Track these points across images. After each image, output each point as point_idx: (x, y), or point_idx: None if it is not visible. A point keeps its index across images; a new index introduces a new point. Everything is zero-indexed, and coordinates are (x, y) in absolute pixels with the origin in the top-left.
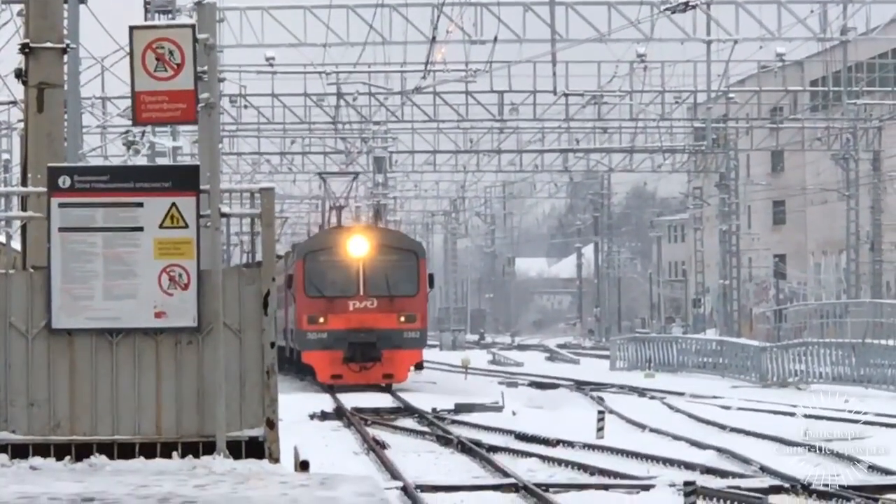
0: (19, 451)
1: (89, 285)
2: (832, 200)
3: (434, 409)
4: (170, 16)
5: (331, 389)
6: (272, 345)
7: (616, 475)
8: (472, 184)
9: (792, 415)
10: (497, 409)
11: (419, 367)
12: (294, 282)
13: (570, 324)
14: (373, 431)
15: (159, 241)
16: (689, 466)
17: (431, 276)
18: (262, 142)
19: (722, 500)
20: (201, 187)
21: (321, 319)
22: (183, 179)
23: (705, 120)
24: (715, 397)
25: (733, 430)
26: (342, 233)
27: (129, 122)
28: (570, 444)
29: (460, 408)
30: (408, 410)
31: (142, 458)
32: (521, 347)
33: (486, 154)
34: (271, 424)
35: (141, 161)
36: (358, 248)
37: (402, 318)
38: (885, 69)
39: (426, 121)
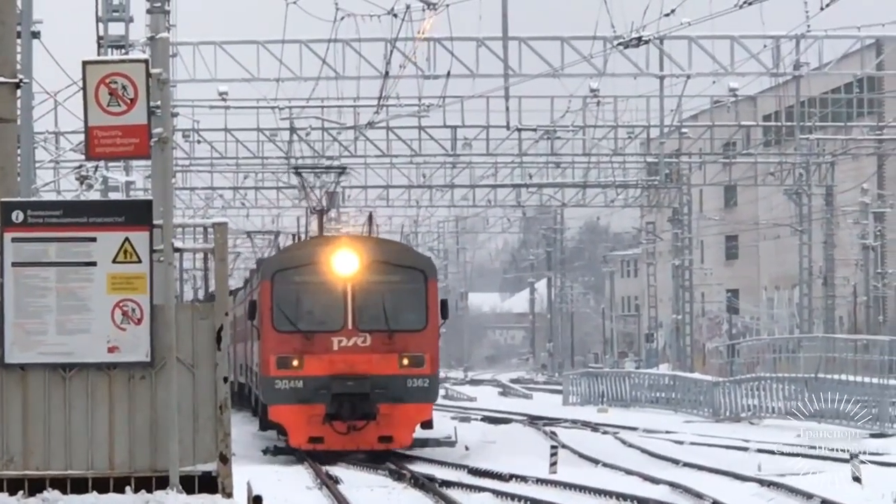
0: None
1: (42, 320)
2: (785, 235)
3: None
4: (123, 51)
5: (309, 458)
6: (225, 380)
7: None
8: (424, 219)
9: (745, 449)
10: (450, 443)
11: (427, 425)
12: (259, 311)
13: (523, 359)
14: (326, 466)
15: (112, 275)
16: (641, 501)
17: (445, 304)
18: (215, 177)
19: None
20: (154, 222)
21: (295, 363)
22: (136, 214)
23: (658, 155)
24: (668, 432)
25: (686, 464)
26: (324, 245)
27: (83, 157)
28: (524, 479)
29: (413, 442)
30: None
31: (95, 493)
32: (474, 382)
33: (439, 189)
34: (224, 459)
35: (94, 196)
36: (346, 264)
37: (406, 361)
38: (838, 104)
39: (379, 156)
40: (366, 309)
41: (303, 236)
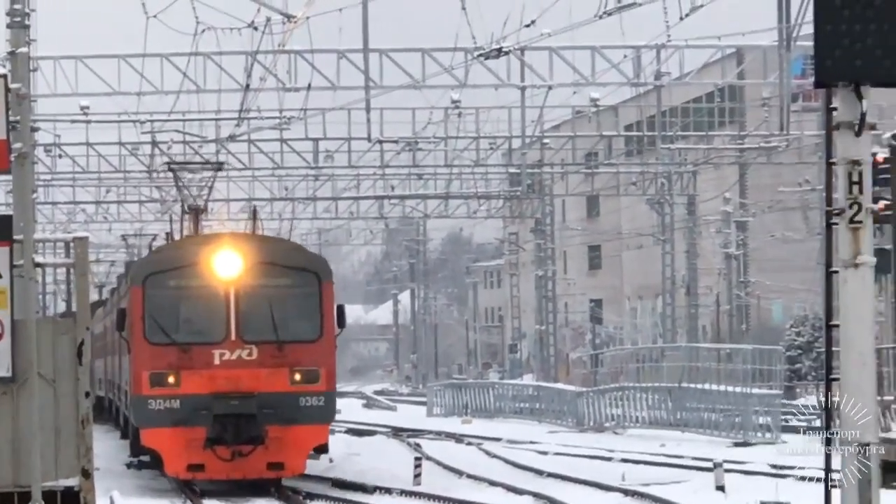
0: None
1: None
2: (648, 245)
3: None
4: None
5: (187, 488)
6: (87, 394)
7: None
8: (287, 231)
9: (609, 459)
10: (314, 456)
11: (322, 450)
12: (129, 321)
13: (387, 370)
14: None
15: None
16: None
17: (341, 310)
18: (77, 191)
19: None
20: (15, 237)
21: (171, 379)
22: None
23: (520, 165)
24: (532, 442)
25: (550, 475)
26: (203, 244)
27: None
28: (388, 491)
29: None
30: None
31: None
32: (339, 394)
33: (302, 201)
34: (87, 474)
35: None
36: (228, 266)
37: (298, 377)
38: (699, 114)
39: (241, 169)
40: (251, 317)
41: (177, 236)
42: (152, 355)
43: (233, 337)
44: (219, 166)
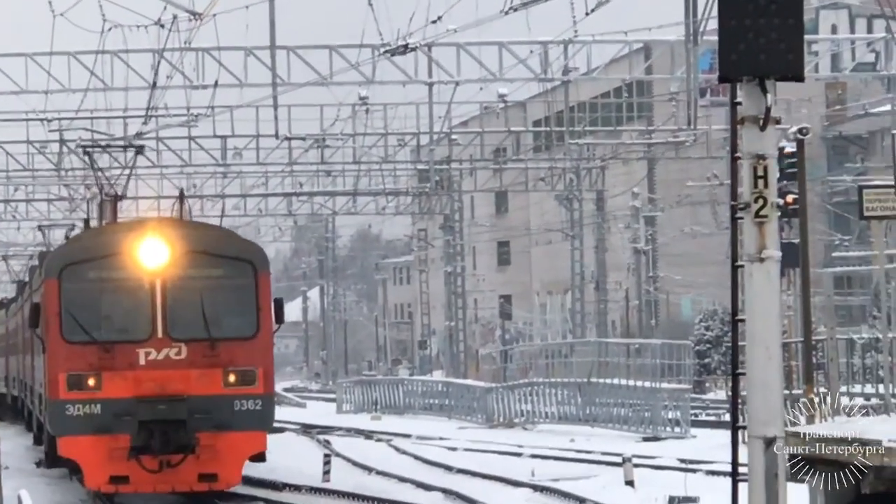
0: None
1: None
2: (557, 241)
3: None
4: None
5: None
6: None
7: None
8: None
9: (518, 455)
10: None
11: (259, 458)
12: (43, 317)
13: (296, 367)
14: None
15: None
16: None
17: (280, 304)
18: None
19: None
20: None
21: (91, 382)
22: None
23: (428, 162)
24: (442, 439)
25: (460, 471)
26: (125, 231)
27: None
28: (297, 488)
29: None
30: None
31: None
32: None
33: (210, 199)
34: None
35: None
36: (154, 255)
37: (232, 378)
38: (607, 109)
39: (149, 166)
40: (180, 312)
41: (94, 225)
42: (70, 355)
43: (159, 334)
44: (139, 148)
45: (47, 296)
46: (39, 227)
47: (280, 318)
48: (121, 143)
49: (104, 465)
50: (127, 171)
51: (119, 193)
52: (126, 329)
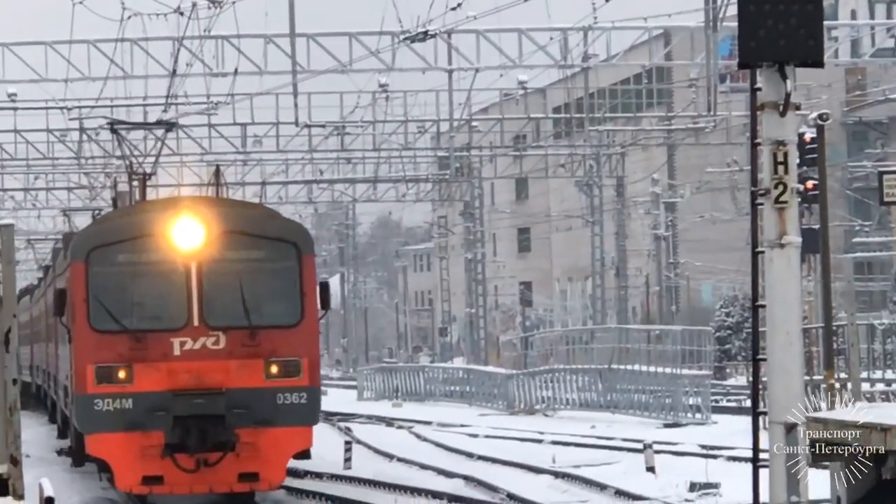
0: None
1: None
2: (577, 227)
3: None
4: None
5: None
6: (14, 381)
7: None
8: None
9: (539, 441)
10: None
11: (304, 456)
12: (69, 304)
13: None
14: None
15: None
16: (436, 495)
17: (326, 288)
18: (5, 178)
19: None
20: None
21: (121, 374)
22: None
23: (448, 149)
24: (462, 426)
25: (481, 457)
26: (158, 211)
27: None
28: (318, 476)
29: None
30: None
31: None
32: None
33: (231, 187)
34: (15, 461)
35: None
36: (189, 236)
37: (275, 370)
38: (627, 95)
39: (170, 154)
40: (218, 298)
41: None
42: (98, 345)
43: (195, 322)
44: (169, 125)
45: (73, 281)
46: (64, 213)
47: (326, 303)
48: (151, 123)
49: (136, 465)
50: (155, 151)
51: (148, 172)
52: (159, 316)
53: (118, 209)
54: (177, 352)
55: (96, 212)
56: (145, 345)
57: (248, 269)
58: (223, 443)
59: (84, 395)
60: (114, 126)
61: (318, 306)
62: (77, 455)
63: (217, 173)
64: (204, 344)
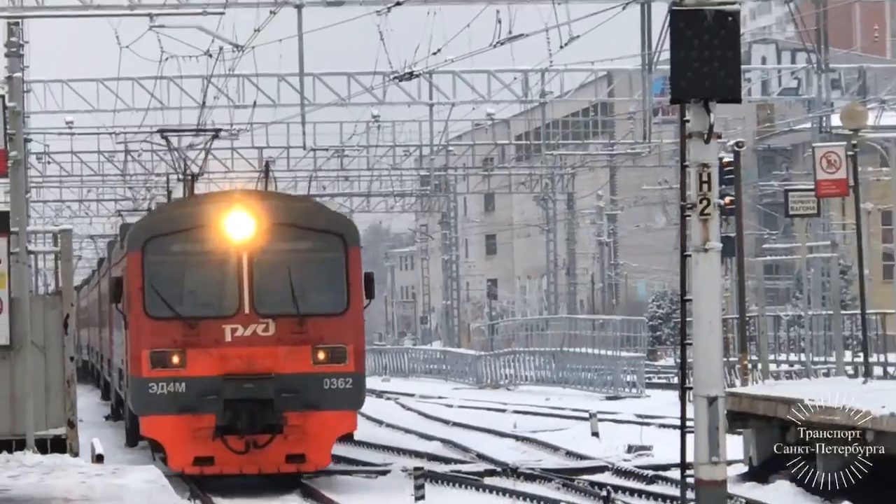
0: None
1: None
2: (535, 234)
3: None
4: None
5: (199, 485)
6: (71, 359)
7: (358, 462)
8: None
9: (503, 411)
10: None
11: (347, 437)
12: (126, 292)
13: None
14: None
15: None
16: (418, 455)
17: (370, 279)
18: (63, 191)
19: (446, 483)
20: (11, 230)
21: (175, 359)
22: None
23: (429, 169)
24: (440, 397)
25: (455, 424)
26: (211, 203)
27: None
28: None
29: None
30: None
31: None
32: None
33: None
34: (72, 425)
35: None
36: (241, 228)
37: (322, 356)
38: (577, 126)
39: (199, 173)
40: (267, 287)
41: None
42: (153, 332)
43: (246, 310)
44: (216, 133)
45: (130, 270)
46: (119, 213)
47: (371, 293)
48: (200, 128)
49: (188, 446)
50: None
51: (196, 172)
52: (211, 304)
53: (172, 202)
54: (228, 338)
55: (150, 206)
56: (198, 331)
57: (297, 259)
58: (272, 425)
59: (139, 378)
60: (163, 132)
61: (363, 296)
62: (131, 435)
63: (267, 168)
64: (254, 331)
